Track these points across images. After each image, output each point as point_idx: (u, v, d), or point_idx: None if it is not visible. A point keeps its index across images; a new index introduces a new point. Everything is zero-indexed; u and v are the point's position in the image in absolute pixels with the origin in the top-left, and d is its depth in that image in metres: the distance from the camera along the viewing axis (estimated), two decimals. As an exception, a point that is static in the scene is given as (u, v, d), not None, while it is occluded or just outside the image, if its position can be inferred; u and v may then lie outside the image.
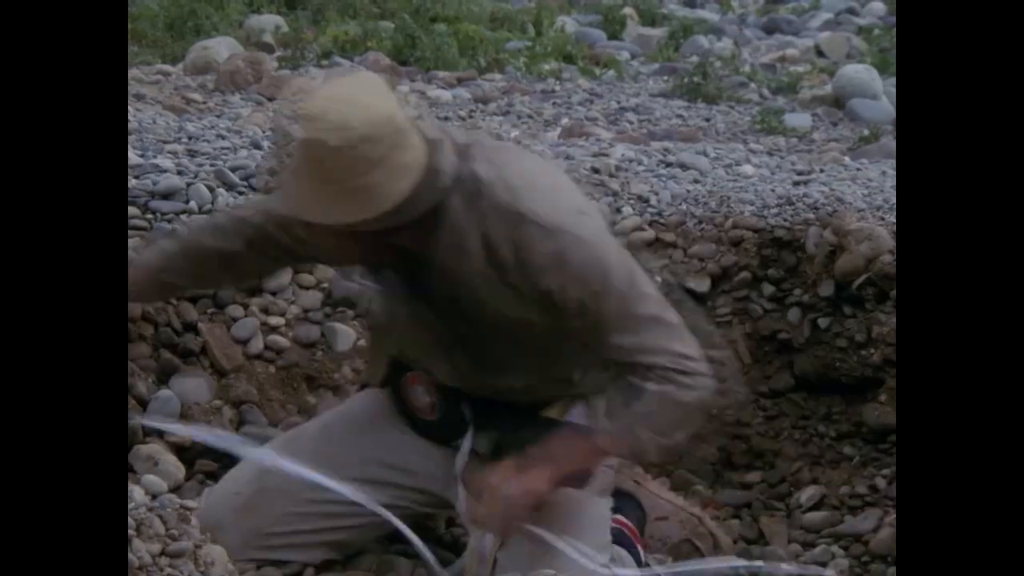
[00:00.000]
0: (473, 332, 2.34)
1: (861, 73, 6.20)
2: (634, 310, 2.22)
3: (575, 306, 2.19)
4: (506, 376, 2.39)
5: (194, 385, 3.14)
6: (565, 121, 5.38)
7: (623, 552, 2.55)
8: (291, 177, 2.11)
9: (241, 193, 3.39)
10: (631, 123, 5.49)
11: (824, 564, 2.97)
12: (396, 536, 2.70)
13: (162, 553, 1.88)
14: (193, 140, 3.79)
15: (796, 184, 3.87)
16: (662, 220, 3.62)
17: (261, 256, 2.53)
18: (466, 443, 2.46)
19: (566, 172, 2.33)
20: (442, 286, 2.28)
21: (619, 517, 2.62)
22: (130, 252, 2.52)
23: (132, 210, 3.20)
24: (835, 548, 3.05)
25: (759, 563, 2.54)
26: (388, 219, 2.11)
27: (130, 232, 3.15)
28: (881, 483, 3.13)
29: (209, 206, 3.32)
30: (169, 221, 3.23)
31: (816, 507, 3.25)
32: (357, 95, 2.10)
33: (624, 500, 2.68)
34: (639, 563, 2.58)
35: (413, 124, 2.12)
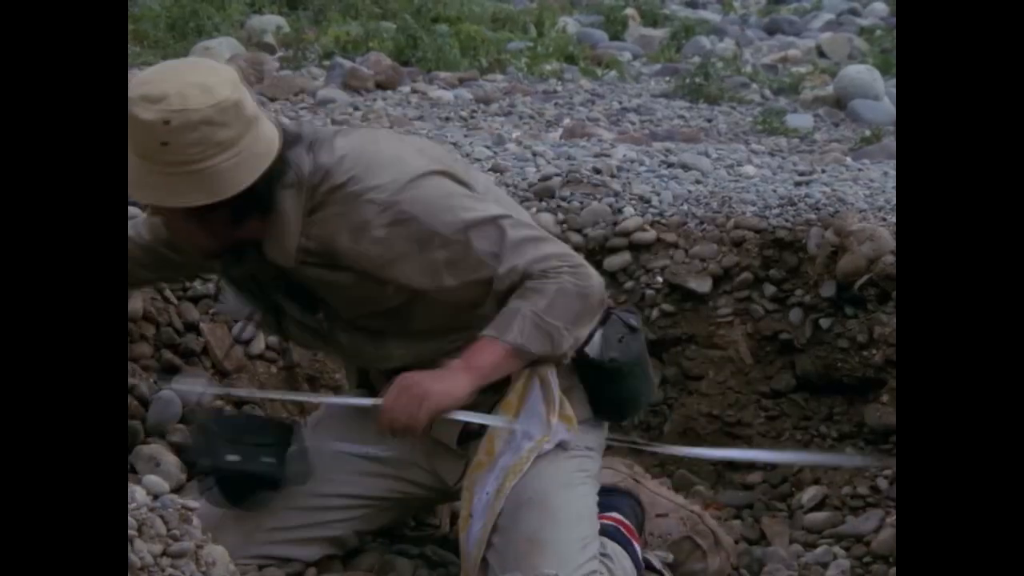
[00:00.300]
0: (370, 319, 2.39)
1: (863, 74, 6.20)
2: (508, 235, 2.29)
3: (441, 259, 2.26)
4: (429, 342, 2.41)
5: (195, 385, 3.14)
6: (567, 122, 5.38)
7: (617, 548, 2.53)
8: (135, 160, 2.12)
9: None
10: (633, 124, 5.49)
11: (825, 565, 2.97)
12: (396, 533, 2.71)
13: (164, 553, 1.87)
14: (195, 140, 3.78)
15: (798, 184, 3.87)
16: (664, 220, 3.62)
17: (144, 270, 2.55)
18: None
19: (417, 137, 2.40)
20: (308, 282, 2.34)
21: (615, 515, 2.61)
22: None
23: (133, 210, 3.20)
24: (837, 549, 3.05)
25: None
26: (232, 208, 2.18)
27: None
28: (883, 484, 3.13)
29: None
30: (171, 221, 3.23)
31: (818, 507, 3.25)
32: (202, 80, 2.14)
33: (623, 498, 2.68)
34: (636, 561, 2.57)
35: (264, 116, 2.19)
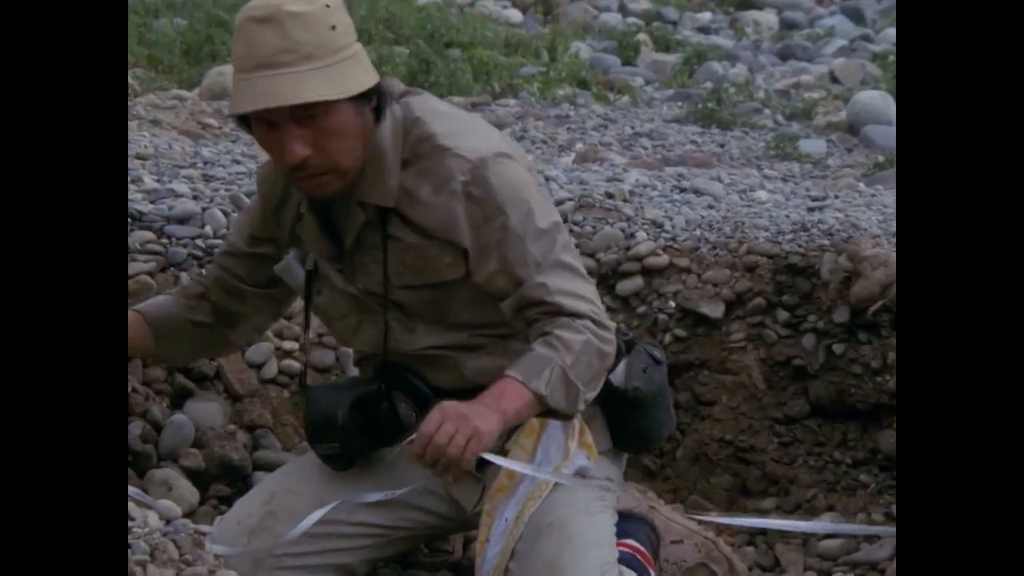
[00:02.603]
0: (406, 294, 2.37)
1: (875, 99, 6.21)
2: (557, 254, 2.29)
3: (494, 240, 2.25)
4: (454, 332, 2.39)
5: (208, 410, 3.14)
6: (579, 146, 5.39)
7: (632, 575, 2.53)
8: (288, 74, 2.08)
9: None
10: (645, 148, 5.50)
11: (839, 591, 2.96)
12: (409, 559, 2.70)
13: (176, 578, 1.87)
14: (208, 165, 3.81)
15: (811, 210, 3.87)
16: (676, 245, 3.61)
17: (255, 287, 2.52)
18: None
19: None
20: (370, 238, 2.32)
21: (631, 542, 2.60)
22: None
23: (147, 234, 3.21)
24: (851, 576, 3.03)
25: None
26: (374, 112, 2.19)
27: (146, 257, 3.16)
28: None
29: (224, 230, 3.33)
30: (184, 246, 3.24)
31: (832, 535, 3.23)
32: None
33: (637, 524, 2.66)
34: (652, 588, 2.56)
35: None
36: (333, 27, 2.12)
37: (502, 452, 2.38)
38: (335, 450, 2.41)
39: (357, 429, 2.39)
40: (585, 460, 2.42)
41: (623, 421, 2.52)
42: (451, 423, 2.16)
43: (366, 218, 2.31)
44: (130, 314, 2.46)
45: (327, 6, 2.12)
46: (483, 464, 2.42)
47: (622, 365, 2.46)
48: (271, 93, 2.08)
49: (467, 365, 2.40)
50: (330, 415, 2.38)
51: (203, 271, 3.05)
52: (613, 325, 2.37)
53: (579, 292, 2.30)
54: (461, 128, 2.31)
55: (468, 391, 2.32)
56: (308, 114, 2.12)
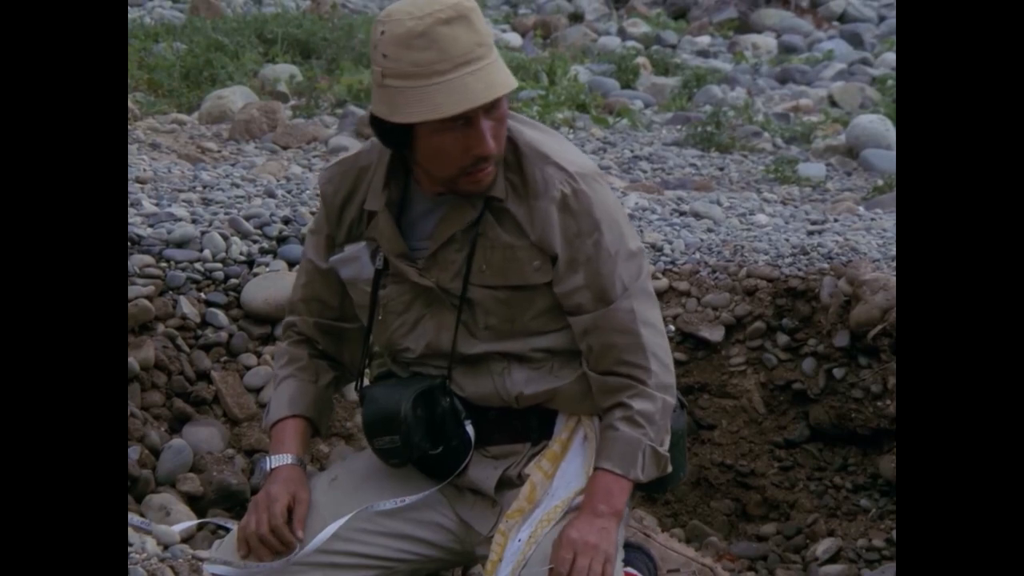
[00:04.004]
0: (482, 303, 2.36)
1: (875, 123, 6.21)
2: (643, 281, 2.33)
3: (585, 255, 2.27)
4: (474, 344, 2.40)
5: (207, 434, 3.13)
6: (578, 170, 5.39)
7: (639, 603, 2.53)
8: (460, 73, 2.09)
9: (255, 242, 3.40)
10: (644, 172, 5.50)
11: (841, 618, 2.94)
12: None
13: (173, 604, 1.86)
14: (208, 189, 3.81)
15: (810, 233, 3.87)
16: (676, 269, 3.61)
17: (345, 300, 2.48)
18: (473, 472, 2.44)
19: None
20: (459, 234, 2.32)
21: (631, 570, 2.59)
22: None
23: (146, 258, 3.21)
24: (852, 602, 3.02)
25: None
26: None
27: (144, 280, 3.16)
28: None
29: (223, 254, 3.32)
30: (183, 270, 3.24)
31: (833, 560, 3.22)
32: None
33: (635, 553, 2.65)
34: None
35: None
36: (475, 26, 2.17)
37: (521, 477, 2.42)
38: (396, 443, 2.37)
39: (418, 422, 2.38)
40: None
41: None
42: (584, 557, 2.24)
43: (477, 214, 2.31)
44: (292, 423, 2.45)
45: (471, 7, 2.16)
46: (501, 486, 2.43)
47: None
48: (488, 86, 2.11)
49: (513, 377, 2.40)
50: (392, 408, 2.36)
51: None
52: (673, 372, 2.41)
53: (658, 338, 2.35)
54: (559, 142, 2.35)
55: (494, 409, 2.39)
56: (496, 104, 2.16)
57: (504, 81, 2.13)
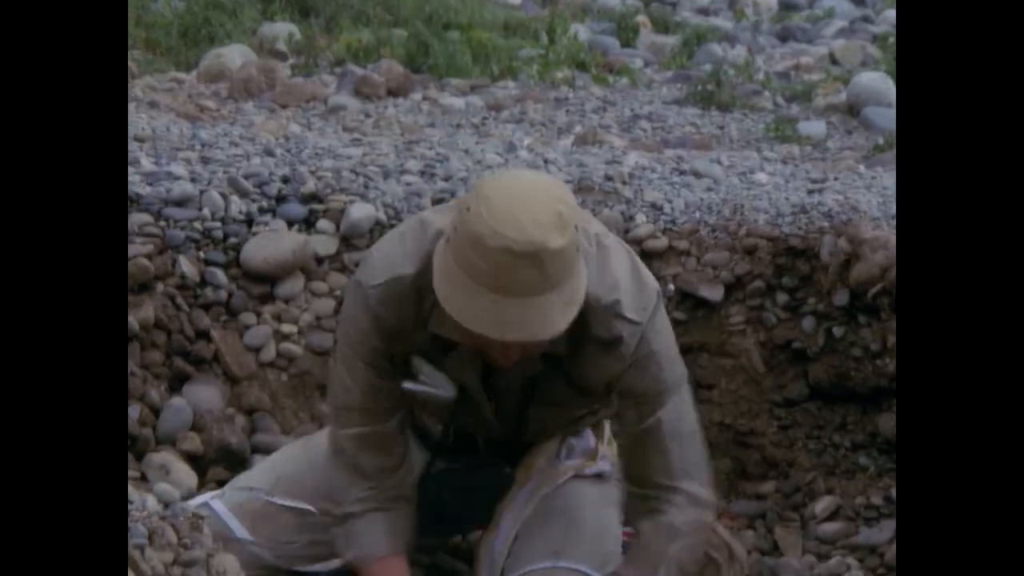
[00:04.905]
0: (526, 413, 2.39)
1: (876, 81, 6.17)
2: (689, 409, 2.34)
3: (641, 388, 2.27)
4: (536, 433, 2.48)
5: (207, 393, 3.14)
6: (578, 129, 5.37)
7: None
8: (500, 298, 1.98)
9: (254, 201, 3.39)
10: (644, 131, 5.48)
11: None
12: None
13: (175, 562, 1.87)
14: (206, 147, 3.79)
15: (810, 192, 3.86)
16: (675, 228, 3.60)
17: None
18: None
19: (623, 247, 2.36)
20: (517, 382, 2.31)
21: (629, 530, 2.61)
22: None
23: (145, 217, 3.21)
24: (850, 560, 3.03)
25: None
26: None
27: (143, 239, 3.15)
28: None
29: (222, 213, 3.32)
30: (182, 228, 3.23)
31: (831, 518, 3.24)
32: (534, 185, 2.03)
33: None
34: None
35: None
36: (577, 248, 2.03)
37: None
38: None
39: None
40: (608, 465, 2.50)
41: None
42: None
43: (539, 369, 2.27)
44: (393, 560, 2.40)
45: (576, 227, 2.01)
46: (513, 462, 2.47)
47: None
48: (520, 326, 1.99)
49: (538, 417, 2.43)
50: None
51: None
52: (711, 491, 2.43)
53: (695, 468, 2.36)
54: (618, 270, 2.22)
55: (504, 442, 2.47)
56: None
57: (543, 326, 2.00)
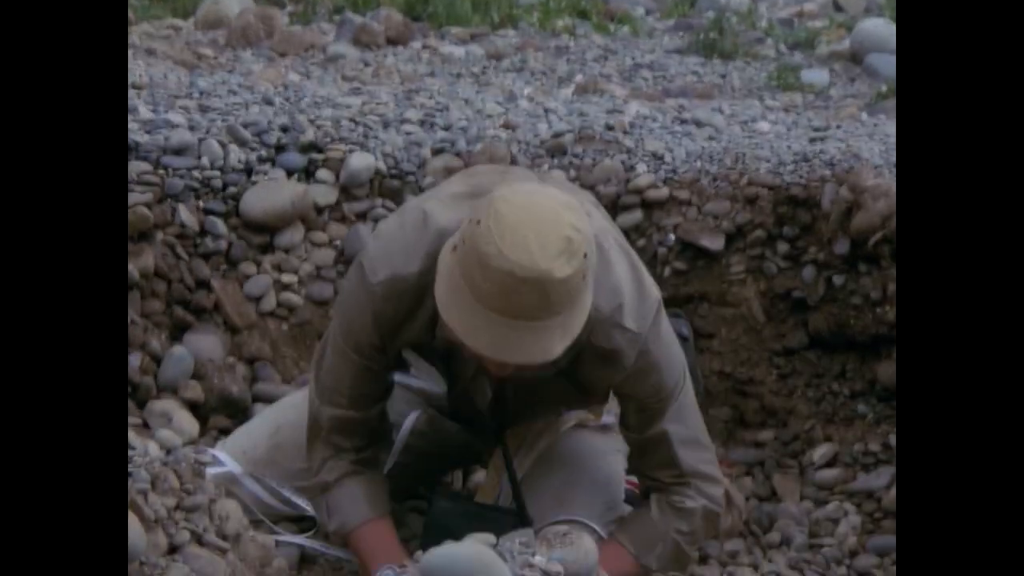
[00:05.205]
0: (523, 402, 2.40)
1: (880, 28, 6.11)
2: (691, 404, 2.38)
3: (643, 394, 2.31)
4: (536, 415, 2.49)
5: (208, 342, 3.15)
6: (579, 78, 5.33)
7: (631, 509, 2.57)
8: (502, 319, 1.98)
9: (253, 150, 3.38)
10: (646, 80, 5.44)
11: (836, 521, 2.98)
12: (409, 493, 2.72)
13: (177, 507, 1.88)
14: (205, 95, 3.77)
15: (812, 141, 3.83)
16: (677, 177, 3.59)
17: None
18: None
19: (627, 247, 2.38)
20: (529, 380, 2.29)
21: (632, 479, 2.63)
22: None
23: (144, 166, 3.19)
24: (848, 505, 3.06)
25: None
26: None
27: (142, 188, 3.14)
28: (894, 441, 3.13)
29: (221, 162, 3.31)
30: (181, 177, 3.22)
31: (829, 464, 3.26)
32: (552, 207, 2.00)
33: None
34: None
35: None
36: (584, 276, 2.02)
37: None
38: None
39: None
40: (612, 419, 2.51)
41: None
42: None
43: (539, 377, 2.27)
44: (382, 526, 2.40)
45: (585, 256, 2.00)
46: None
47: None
48: (517, 349, 2.01)
49: (534, 411, 2.46)
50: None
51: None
52: (722, 479, 2.48)
53: (704, 465, 2.40)
54: (619, 286, 2.22)
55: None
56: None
57: (542, 351, 2.01)
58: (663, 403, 2.30)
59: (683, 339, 2.55)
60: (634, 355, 2.21)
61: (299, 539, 2.44)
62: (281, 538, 2.39)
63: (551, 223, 1.97)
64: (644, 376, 2.26)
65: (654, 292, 2.28)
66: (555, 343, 2.02)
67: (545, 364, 2.08)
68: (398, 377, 2.35)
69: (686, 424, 2.36)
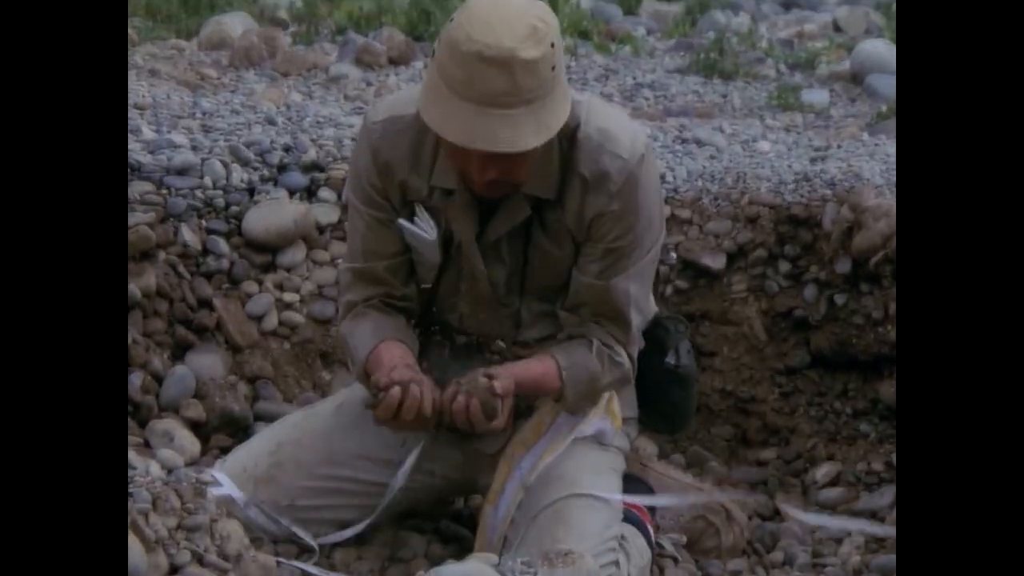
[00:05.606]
0: (518, 274, 2.40)
1: (880, 48, 6.13)
2: (645, 266, 2.39)
3: (612, 234, 2.31)
4: (530, 330, 2.48)
5: (209, 361, 3.15)
6: (581, 97, 5.34)
7: (631, 529, 2.56)
8: (474, 107, 2.06)
9: (255, 169, 3.38)
10: (647, 99, 5.45)
11: (839, 541, 2.97)
12: (407, 517, 2.71)
13: (178, 527, 1.88)
14: (208, 116, 3.78)
15: (813, 160, 3.84)
16: (678, 197, 3.60)
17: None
18: None
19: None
20: (512, 221, 2.33)
21: (629, 498, 2.62)
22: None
23: (146, 186, 3.20)
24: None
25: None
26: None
27: (145, 208, 3.15)
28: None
29: (223, 182, 3.31)
30: (184, 197, 3.23)
31: (832, 484, 3.25)
32: (520, 2, 2.10)
33: (632, 483, 2.68)
34: (650, 543, 2.60)
35: None
36: (553, 67, 2.10)
37: (530, 408, 2.49)
38: None
39: None
40: (607, 425, 2.51)
41: (665, 396, 2.65)
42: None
43: (528, 214, 2.32)
44: (391, 344, 2.40)
45: (552, 45, 2.09)
46: (519, 414, 2.46)
47: (680, 346, 2.63)
48: (488, 135, 2.07)
49: (528, 281, 2.45)
50: None
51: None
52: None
53: (634, 330, 2.44)
54: (611, 114, 2.34)
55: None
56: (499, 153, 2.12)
57: (512, 138, 2.07)
58: (631, 248, 2.33)
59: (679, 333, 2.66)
60: (620, 181, 2.26)
61: (300, 564, 2.43)
62: (283, 561, 2.38)
63: (518, 13, 2.08)
64: (621, 214, 2.29)
65: (643, 133, 2.37)
66: (527, 134, 2.08)
67: (533, 180, 2.19)
68: (400, 221, 2.38)
69: (643, 285, 2.42)
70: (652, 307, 2.62)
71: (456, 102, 2.07)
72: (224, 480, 2.47)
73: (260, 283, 3.31)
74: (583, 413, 2.48)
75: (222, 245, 3.26)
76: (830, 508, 3.14)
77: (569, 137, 2.27)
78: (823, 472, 3.27)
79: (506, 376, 2.28)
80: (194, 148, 3.40)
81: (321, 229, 3.39)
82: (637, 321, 2.44)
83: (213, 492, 2.22)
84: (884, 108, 5.23)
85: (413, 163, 2.33)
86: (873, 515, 3.02)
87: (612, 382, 2.45)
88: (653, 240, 2.39)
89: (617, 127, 2.31)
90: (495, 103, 2.05)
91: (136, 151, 3.30)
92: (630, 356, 2.46)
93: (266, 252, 3.32)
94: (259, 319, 3.28)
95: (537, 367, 2.38)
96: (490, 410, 2.23)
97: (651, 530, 2.63)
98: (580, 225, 2.32)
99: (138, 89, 4.10)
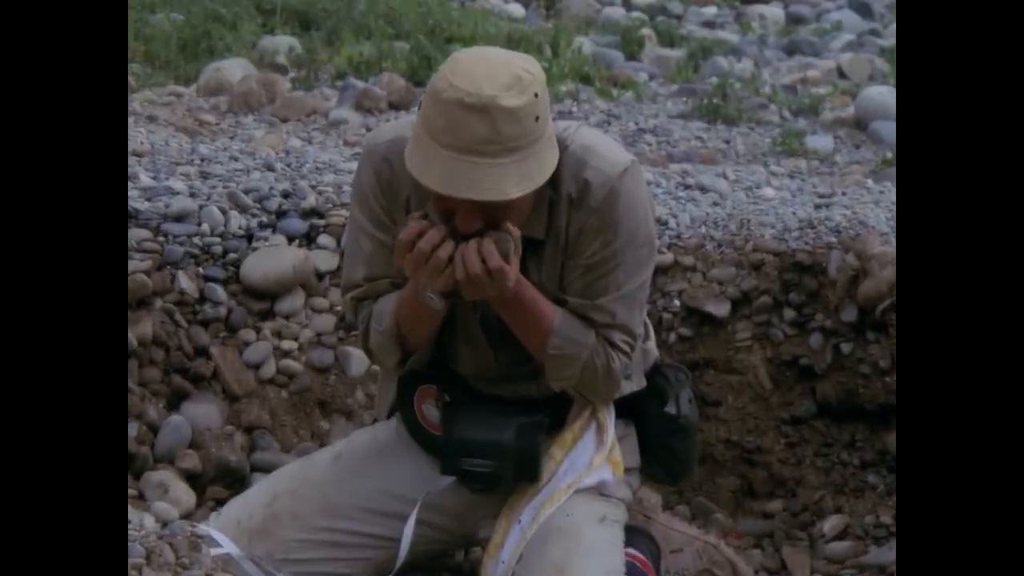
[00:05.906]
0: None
1: (884, 95, 6.13)
2: (633, 287, 2.33)
3: (595, 254, 2.28)
4: (529, 386, 2.44)
5: (206, 410, 3.12)
6: (582, 142, 5.33)
7: (638, 582, 2.52)
8: (455, 155, 2.04)
9: (254, 216, 3.36)
10: (649, 145, 5.45)
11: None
12: (406, 571, 2.66)
13: (171, 583, 1.84)
14: (206, 162, 3.77)
15: (818, 207, 3.82)
16: (681, 243, 3.57)
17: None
18: None
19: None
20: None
21: (632, 551, 2.58)
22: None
23: (144, 232, 3.18)
24: (859, 580, 3.00)
25: None
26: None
27: (142, 255, 3.13)
28: (906, 513, 3.07)
29: (221, 228, 3.29)
30: (181, 244, 3.21)
31: (840, 537, 3.21)
32: (506, 54, 2.13)
33: (636, 535, 2.64)
34: (656, 596, 2.55)
35: None
36: (537, 118, 2.09)
37: None
38: (488, 468, 2.38)
39: (517, 455, 2.39)
40: (609, 475, 2.47)
41: (666, 445, 2.60)
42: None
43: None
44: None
45: (536, 96, 2.08)
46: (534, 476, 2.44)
47: (681, 394, 2.58)
48: (469, 183, 2.05)
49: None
50: (496, 435, 2.37)
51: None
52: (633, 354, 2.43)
53: (628, 327, 2.36)
54: (592, 133, 2.34)
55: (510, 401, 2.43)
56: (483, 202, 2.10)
57: (493, 187, 2.05)
58: (612, 266, 2.29)
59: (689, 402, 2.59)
60: (601, 195, 2.24)
61: None
62: None
63: (503, 63, 2.08)
64: (601, 228, 2.26)
65: (629, 156, 2.34)
66: (509, 184, 2.06)
67: (504, 208, 2.11)
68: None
69: (631, 312, 2.35)
70: (653, 351, 2.57)
71: (438, 150, 2.06)
72: (218, 536, 2.42)
73: (258, 330, 3.28)
74: (559, 387, 2.40)
75: (220, 292, 3.23)
76: (838, 562, 3.09)
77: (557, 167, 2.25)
78: (830, 525, 3.23)
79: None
80: (192, 194, 3.38)
81: (320, 276, 3.36)
82: (622, 340, 2.37)
83: (211, 552, 2.18)
84: (889, 154, 5.22)
85: (415, 183, 2.30)
86: (882, 570, 2.98)
87: (599, 370, 2.36)
88: (639, 263, 2.33)
89: (600, 144, 2.31)
90: (476, 151, 2.04)
91: (134, 198, 3.28)
92: (627, 366, 2.41)
93: (264, 299, 3.29)
94: (257, 367, 3.25)
95: (542, 300, 2.32)
96: (504, 248, 2.16)
97: (655, 583, 2.59)
98: (566, 246, 2.30)
99: (136, 136, 4.09)
